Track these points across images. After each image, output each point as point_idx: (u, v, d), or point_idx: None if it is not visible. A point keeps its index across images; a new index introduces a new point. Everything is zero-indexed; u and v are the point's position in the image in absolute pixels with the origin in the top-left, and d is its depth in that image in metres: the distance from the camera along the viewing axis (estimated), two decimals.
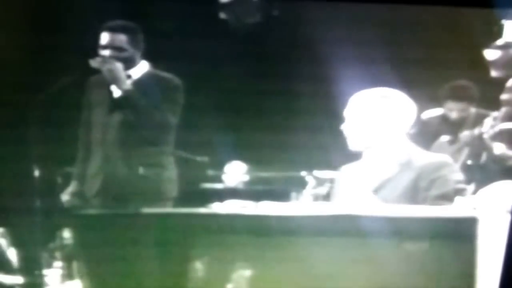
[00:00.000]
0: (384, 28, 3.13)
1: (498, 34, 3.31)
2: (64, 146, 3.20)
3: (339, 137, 2.98)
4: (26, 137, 3.10)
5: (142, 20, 3.16)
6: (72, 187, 3.27)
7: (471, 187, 3.24)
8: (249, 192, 3.30)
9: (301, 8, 3.14)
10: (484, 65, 3.31)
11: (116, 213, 3.07)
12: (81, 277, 2.99)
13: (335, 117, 2.97)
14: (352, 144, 2.97)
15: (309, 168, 3.08)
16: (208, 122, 3.19)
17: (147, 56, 3.24)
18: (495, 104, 3.28)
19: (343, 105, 2.99)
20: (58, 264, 3.09)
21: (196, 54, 3.11)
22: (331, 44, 3.10)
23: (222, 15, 3.18)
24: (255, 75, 3.18)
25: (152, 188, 3.24)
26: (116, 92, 3.22)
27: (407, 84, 3.04)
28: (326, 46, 3.08)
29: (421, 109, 3.35)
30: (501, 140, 3.28)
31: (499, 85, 3.27)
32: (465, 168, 3.32)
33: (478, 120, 3.37)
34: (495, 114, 3.28)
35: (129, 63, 3.22)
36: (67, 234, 3.10)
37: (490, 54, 3.33)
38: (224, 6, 3.18)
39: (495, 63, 3.32)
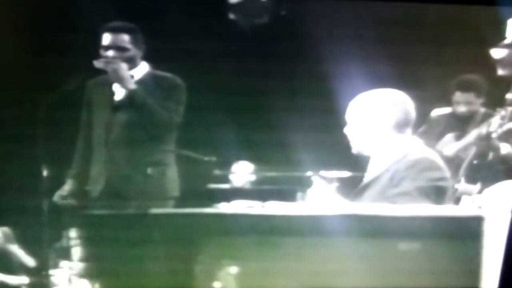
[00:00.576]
0: (396, 27, 3.14)
1: (505, 32, 3.32)
2: (69, 146, 3.21)
3: (345, 137, 2.96)
4: (32, 137, 3.09)
5: (142, 21, 3.17)
6: (76, 187, 3.27)
7: (477, 186, 3.25)
8: (256, 192, 3.30)
9: (309, 8, 3.14)
10: (491, 63, 3.31)
11: (123, 213, 3.07)
12: (87, 277, 2.99)
13: (343, 117, 2.96)
14: (355, 147, 2.95)
15: (316, 168, 3.07)
16: (215, 122, 3.20)
17: (148, 57, 3.24)
18: (503, 103, 3.28)
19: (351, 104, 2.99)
20: (64, 264, 3.08)
21: (202, 53, 3.11)
22: (340, 43, 3.10)
23: (231, 15, 3.18)
24: (263, 75, 3.18)
25: (157, 188, 3.24)
26: (121, 92, 3.22)
27: (414, 83, 3.05)
28: (335, 45, 3.09)
29: (430, 108, 3.35)
30: (506, 140, 3.29)
31: (507, 83, 3.28)
32: (472, 167, 3.32)
33: (486, 119, 3.38)
34: (503, 113, 3.28)
35: (131, 63, 3.23)
36: (72, 233, 3.10)
37: (497, 52, 3.33)
38: (232, 6, 3.18)
39: (502, 62, 3.32)
